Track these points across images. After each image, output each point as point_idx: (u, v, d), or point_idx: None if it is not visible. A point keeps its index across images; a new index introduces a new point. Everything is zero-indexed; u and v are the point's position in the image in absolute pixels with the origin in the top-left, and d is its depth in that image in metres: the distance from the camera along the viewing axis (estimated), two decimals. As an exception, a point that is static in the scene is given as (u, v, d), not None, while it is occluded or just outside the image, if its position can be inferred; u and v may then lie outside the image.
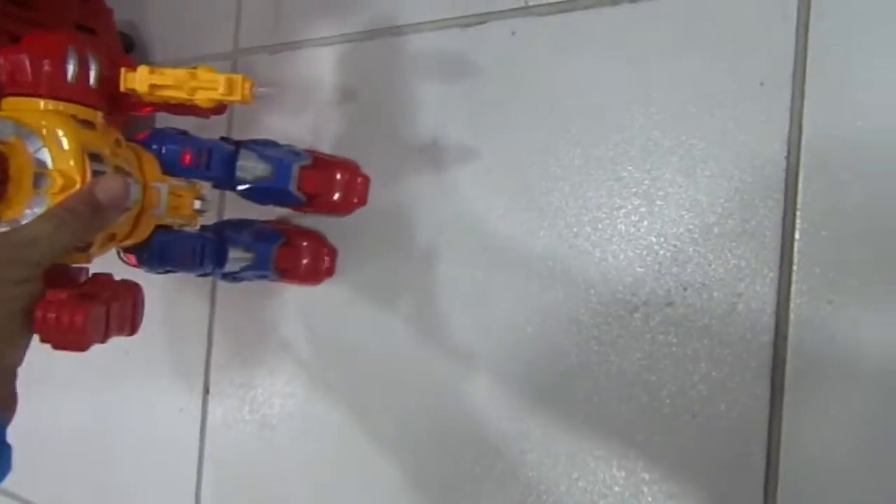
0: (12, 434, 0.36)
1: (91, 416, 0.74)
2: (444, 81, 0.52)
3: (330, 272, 0.55)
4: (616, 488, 0.44)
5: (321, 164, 0.52)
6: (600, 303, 0.45)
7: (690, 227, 0.42)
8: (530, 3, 0.49)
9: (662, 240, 0.43)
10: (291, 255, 0.54)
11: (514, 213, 0.48)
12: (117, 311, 0.37)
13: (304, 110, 0.60)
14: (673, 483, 0.43)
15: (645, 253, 0.44)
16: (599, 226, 0.45)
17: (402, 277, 0.53)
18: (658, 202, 0.43)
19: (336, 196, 0.52)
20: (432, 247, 0.52)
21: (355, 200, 0.53)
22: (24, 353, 0.35)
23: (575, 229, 0.46)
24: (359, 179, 0.53)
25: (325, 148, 0.57)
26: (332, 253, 0.55)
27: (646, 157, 0.44)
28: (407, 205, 0.53)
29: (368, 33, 0.57)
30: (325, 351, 0.57)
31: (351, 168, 0.53)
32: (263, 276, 0.53)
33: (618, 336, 0.45)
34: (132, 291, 0.39)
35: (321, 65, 0.59)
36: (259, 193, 0.49)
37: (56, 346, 0.34)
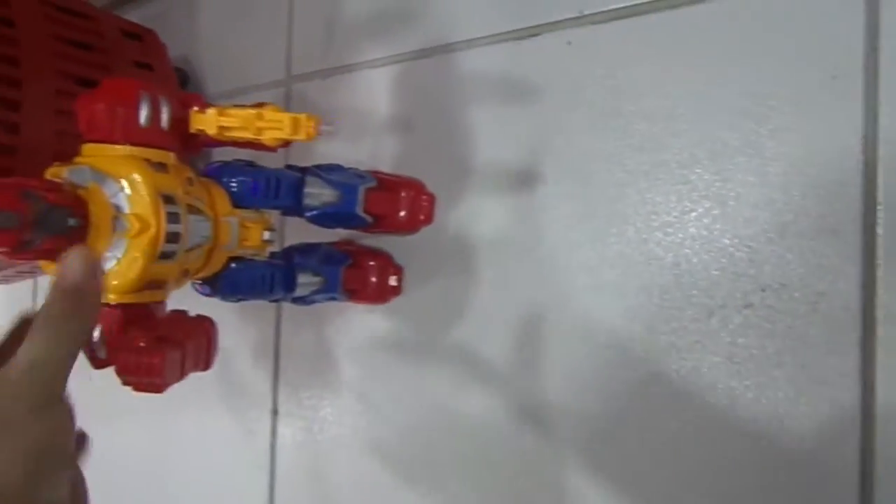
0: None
1: (160, 439, 0.75)
2: (501, 96, 0.52)
3: (397, 291, 0.56)
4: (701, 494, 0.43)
5: (386, 184, 0.52)
6: (675, 308, 0.45)
7: (765, 226, 0.42)
8: (585, 12, 0.49)
9: (737, 241, 0.43)
10: (359, 275, 0.54)
11: (581, 222, 0.48)
12: (192, 349, 0.38)
13: (361, 133, 0.60)
14: (762, 488, 0.42)
15: (719, 255, 0.43)
16: (670, 230, 0.45)
17: (467, 295, 0.53)
18: (730, 203, 0.43)
19: (401, 215, 0.52)
20: (497, 262, 0.52)
21: (421, 218, 0.53)
22: (67, 487, 0.31)
23: (644, 235, 0.46)
24: (424, 198, 0.53)
25: (384, 169, 0.57)
26: (399, 271, 0.56)
27: (714, 158, 0.44)
28: (469, 222, 0.53)
29: (421, 52, 0.57)
30: (393, 369, 0.58)
31: (416, 187, 0.53)
32: (333, 298, 0.53)
33: (695, 341, 0.44)
34: (206, 327, 0.41)
35: (375, 87, 0.60)
36: (327, 218, 0.50)
37: (136, 389, 0.36)
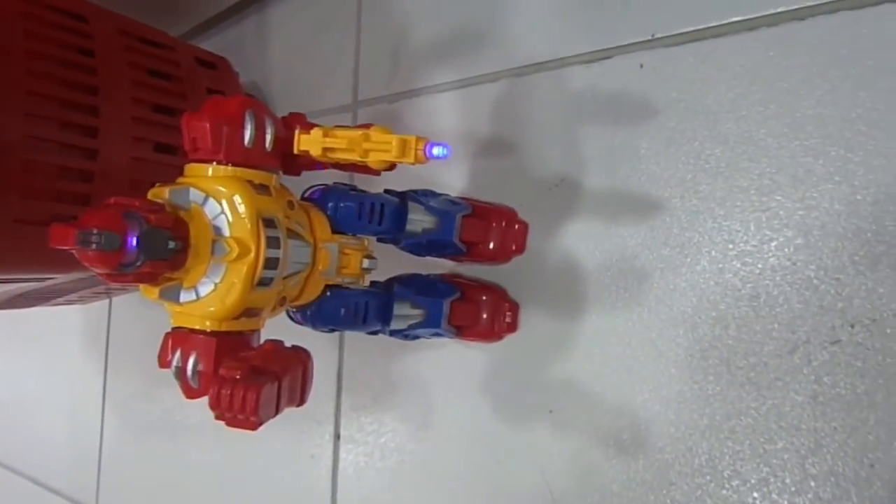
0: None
1: (226, 457, 0.76)
2: (570, 119, 0.51)
3: (512, 328, 0.53)
4: (784, 544, 0.41)
5: (480, 212, 0.51)
6: (753, 342, 0.42)
7: (855, 258, 0.39)
8: (658, 35, 0.47)
9: (822, 273, 0.40)
10: (469, 310, 0.51)
11: (652, 250, 0.47)
12: (288, 384, 0.36)
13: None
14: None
15: (803, 287, 0.41)
16: (748, 260, 0.43)
17: (545, 327, 0.52)
18: (815, 232, 0.41)
19: (492, 244, 0.51)
20: (566, 291, 0.50)
21: (513, 248, 0.51)
22: None
23: (720, 265, 0.44)
24: (517, 226, 0.51)
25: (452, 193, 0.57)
26: (515, 308, 0.53)
27: (797, 185, 0.41)
28: (536, 248, 0.52)
29: (487, 76, 0.57)
30: (456, 398, 0.57)
31: (509, 215, 0.52)
32: (438, 334, 0.51)
33: (775, 378, 0.42)
34: (302, 360, 0.38)
35: (441, 111, 0.60)
36: (423, 246, 0.49)
37: (228, 425, 0.34)
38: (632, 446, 0.47)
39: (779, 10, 0.43)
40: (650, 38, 0.48)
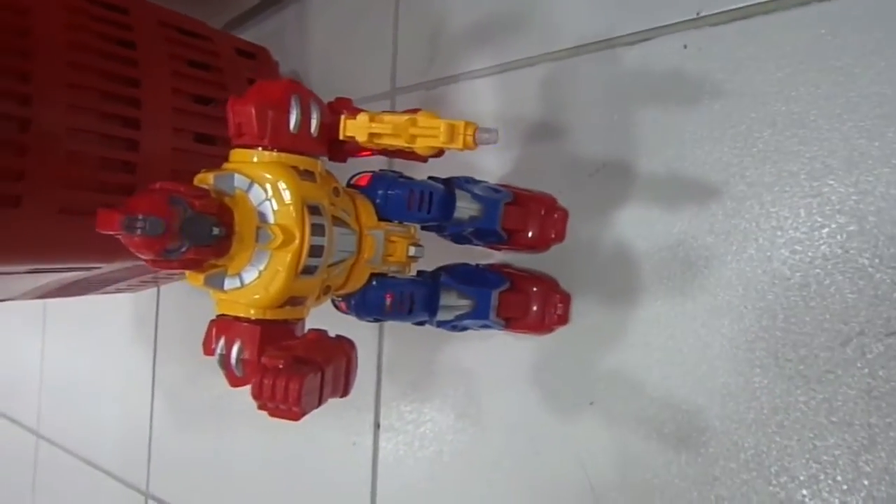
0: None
1: (270, 443, 0.77)
2: (611, 104, 0.50)
3: (563, 320, 0.51)
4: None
5: (521, 199, 0.50)
6: (803, 333, 0.41)
7: (913, 245, 0.37)
8: (703, 13, 0.46)
9: (878, 261, 0.38)
10: (518, 302, 0.50)
11: (696, 238, 0.45)
12: (332, 375, 0.35)
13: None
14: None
15: (857, 277, 0.39)
16: (798, 248, 0.41)
17: (587, 317, 0.51)
18: (870, 219, 0.39)
19: (531, 233, 0.49)
20: (607, 280, 0.49)
21: (553, 236, 0.50)
22: None
23: (768, 253, 0.42)
24: (556, 214, 0.50)
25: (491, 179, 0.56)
26: (566, 299, 0.51)
27: (851, 169, 0.39)
28: (576, 235, 0.51)
29: (526, 61, 0.56)
30: (496, 387, 0.56)
31: (548, 202, 0.51)
32: (486, 326, 0.49)
33: (826, 371, 0.40)
34: (346, 350, 0.37)
35: (479, 97, 0.59)
36: (468, 234, 0.48)
37: (271, 415, 0.33)
38: (675, 440, 0.45)
39: (832, -17, 0.41)
40: (695, 16, 0.46)
